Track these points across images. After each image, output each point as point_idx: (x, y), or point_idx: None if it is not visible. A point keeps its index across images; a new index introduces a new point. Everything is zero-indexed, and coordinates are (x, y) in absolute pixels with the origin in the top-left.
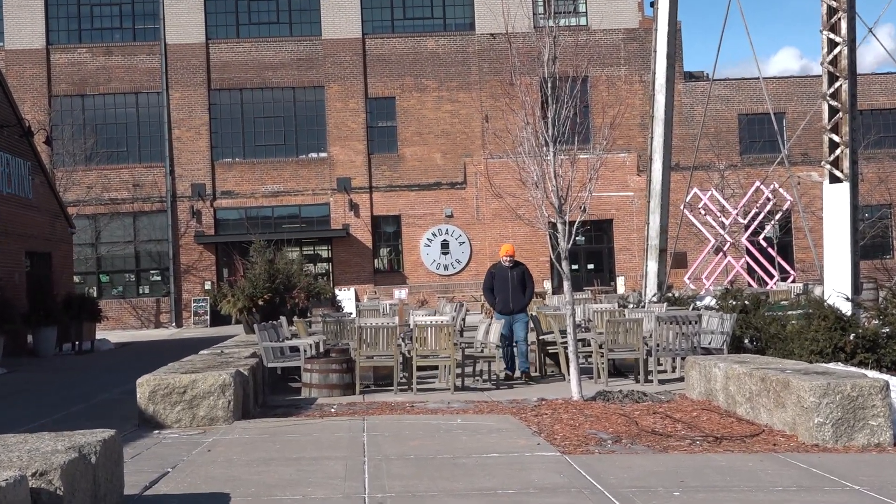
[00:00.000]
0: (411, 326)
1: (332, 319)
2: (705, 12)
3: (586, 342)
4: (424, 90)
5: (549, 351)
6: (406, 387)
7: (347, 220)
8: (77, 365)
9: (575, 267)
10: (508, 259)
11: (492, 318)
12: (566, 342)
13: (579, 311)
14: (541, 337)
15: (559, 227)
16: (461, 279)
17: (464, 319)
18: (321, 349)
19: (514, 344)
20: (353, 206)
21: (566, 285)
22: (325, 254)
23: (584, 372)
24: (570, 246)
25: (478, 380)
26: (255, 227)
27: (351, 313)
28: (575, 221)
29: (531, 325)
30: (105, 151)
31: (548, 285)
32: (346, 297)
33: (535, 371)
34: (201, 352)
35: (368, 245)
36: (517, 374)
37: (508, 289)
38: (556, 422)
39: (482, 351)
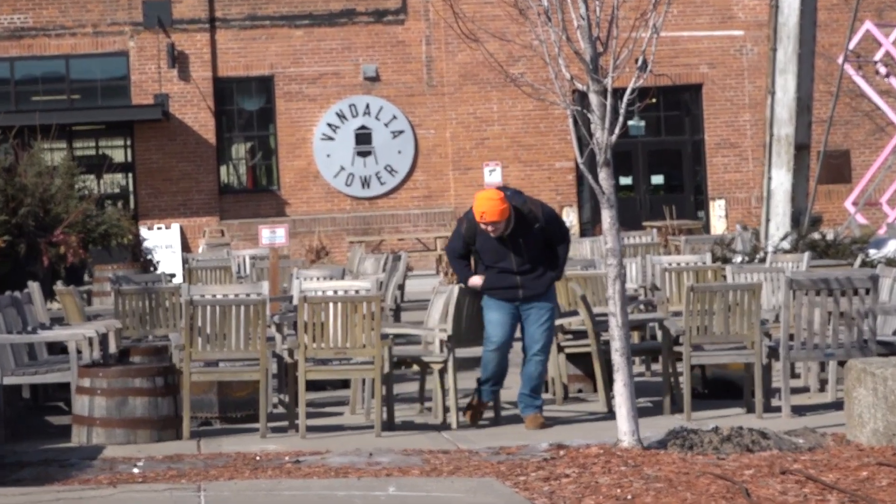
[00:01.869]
0: (294, 302)
1: (136, 288)
2: None
3: (647, 332)
4: None
5: (573, 350)
6: (286, 422)
7: (166, 86)
8: None
9: (626, 181)
10: (495, 229)
11: (456, 283)
12: (605, 333)
13: (634, 269)
14: (557, 322)
15: (593, 100)
16: (396, 205)
17: (401, 287)
18: (112, 348)
19: (526, 359)
20: (178, 60)
21: (607, 218)
22: (120, 155)
23: (644, 390)
24: (615, 139)
25: (427, 409)
26: None
27: (174, 276)
28: (626, 89)
29: (555, 318)
30: None
31: (571, 218)
32: (162, 242)
33: (547, 391)
34: None
35: (209, 138)
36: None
37: (510, 257)
38: (589, 494)
39: (441, 351)
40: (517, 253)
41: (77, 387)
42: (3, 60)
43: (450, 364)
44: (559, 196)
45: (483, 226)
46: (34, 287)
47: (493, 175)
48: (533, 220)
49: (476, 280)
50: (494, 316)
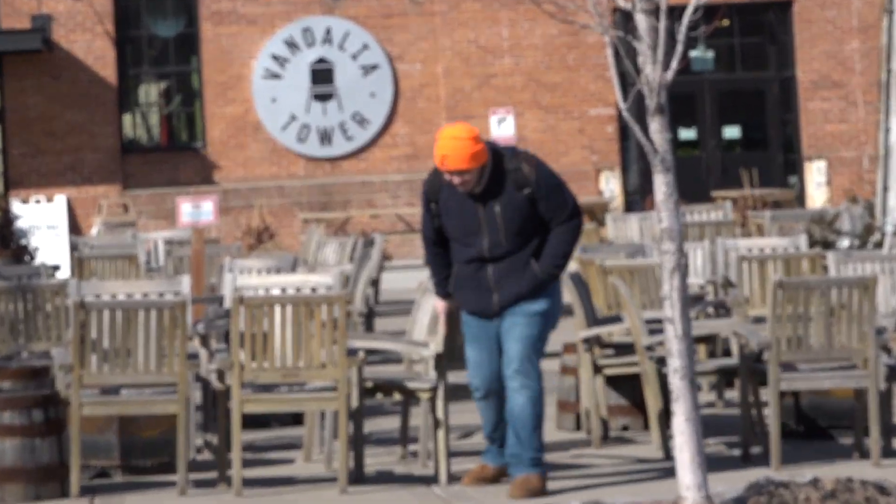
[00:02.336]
0: (227, 305)
1: (4, 286)
2: None
3: (718, 345)
4: None
5: (615, 372)
6: (214, 472)
7: (47, 4)
8: None
9: (689, 135)
10: (461, 181)
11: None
12: (659, 347)
13: (699, 257)
14: (585, 336)
15: (641, 23)
16: (369, 169)
17: (375, 284)
18: None
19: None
20: None
21: (662, 186)
22: None
23: (715, 427)
24: (672, 76)
25: (411, 453)
26: None
27: (57, 268)
28: (687, 7)
29: (547, 328)
30: None
31: (612, 186)
32: (42, 220)
33: (576, 426)
34: None
35: (107, 76)
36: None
37: (482, 234)
38: None
39: (431, 373)
40: (491, 228)
41: None
42: None
43: (441, 391)
44: (595, 156)
45: (447, 176)
46: None
47: (502, 126)
48: (520, 181)
49: (440, 307)
50: (471, 352)
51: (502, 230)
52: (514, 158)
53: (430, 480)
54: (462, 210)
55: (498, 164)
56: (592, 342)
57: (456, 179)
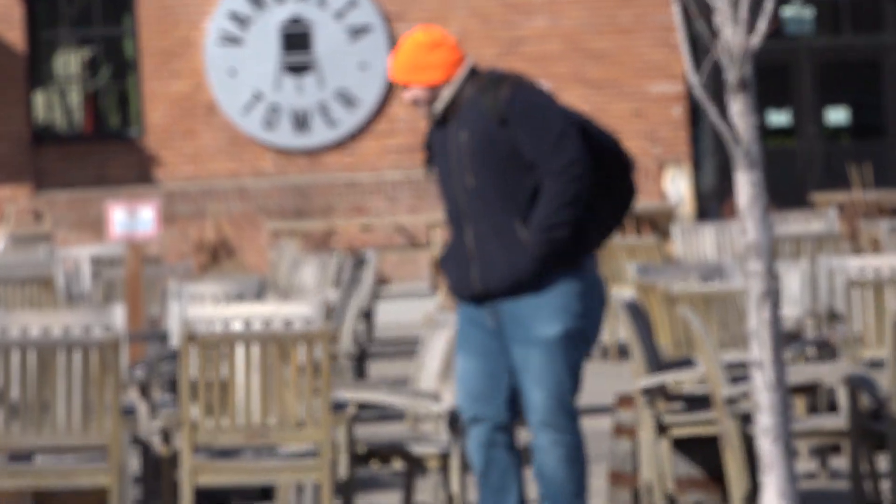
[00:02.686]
0: (174, 344)
1: None
2: None
3: (820, 398)
4: None
5: (685, 432)
6: None
7: None
8: None
9: (781, 120)
10: (410, 98)
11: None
12: (743, 400)
13: (795, 281)
14: (645, 386)
15: None
16: (358, 164)
17: (367, 316)
18: None
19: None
20: None
21: (746, 187)
22: None
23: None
24: (760, 41)
25: None
26: None
27: None
28: None
29: (578, 353)
30: None
31: (678, 186)
32: None
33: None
34: None
35: (14, 40)
36: None
37: (452, 181)
38: None
39: (443, 434)
40: (459, 164)
41: None
42: None
43: (456, 458)
44: (657, 147)
45: (405, 98)
46: None
47: None
48: (491, 105)
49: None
50: (459, 359)
51: (468, 166)
52: (493, 79)
53: None
54: (439, 146)
55: (470, 82)
56: (655, 393)
57: (405, 97)
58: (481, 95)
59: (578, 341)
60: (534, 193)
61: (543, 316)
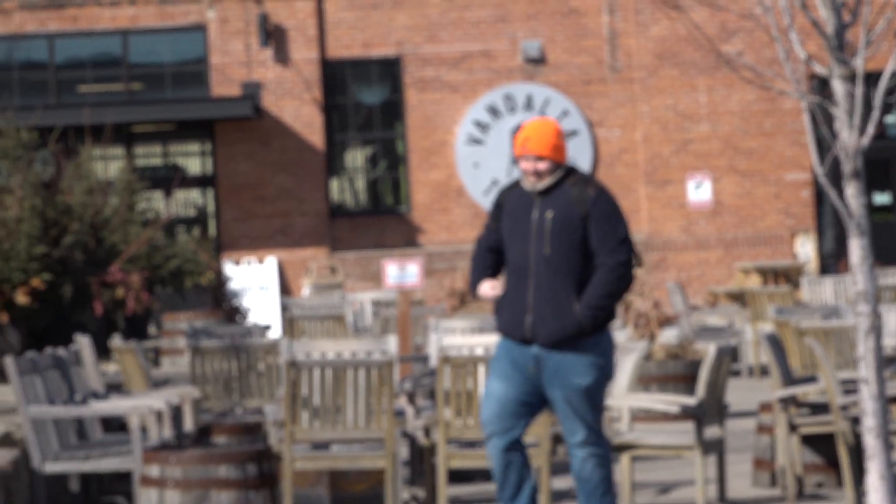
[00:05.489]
0: (432, 364)
1: (218, 345)
2: None
3: None
4: None
5: (811, 430)
6: None
7: (257, 72)
8: None
9: (884, 199)
10: (534, 167)
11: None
12: (854, 407)
13: (892, 318)
14: (781, 396)
15: (837, 88)
16: None
17: None
18: (188, 425)
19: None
20: (273, 36)
21: (857, 249)
22: (196, 165)
23: None
24: (868, 141)
25: None
26: (5, 92)
27: (269, 328)
28: (884, 73)
29: (602, 393)
30: None
31: (806, 248)
32: (253, 281)
33: (772, 483)
34: None
35: (315, 141)
36: None
37: (530, 245)
38: None
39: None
40: (539, 233)
41: (141, 477)
42: (40, 37)
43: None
44: (790, 219)
45: (521, 162)
46: (83, 343)
47: (700, 190)
48: (580, 198)
49: (486, 289)
50: (492, 383)
51: (548, 240)
52: (583, 179)
53: None
54: (520, 211)
55: (568, 176)
56: (788, 402)
57: (532, 166)
58: (572, 187)
59: (603, 383)
60: (588, 276)
61: (581, 369)
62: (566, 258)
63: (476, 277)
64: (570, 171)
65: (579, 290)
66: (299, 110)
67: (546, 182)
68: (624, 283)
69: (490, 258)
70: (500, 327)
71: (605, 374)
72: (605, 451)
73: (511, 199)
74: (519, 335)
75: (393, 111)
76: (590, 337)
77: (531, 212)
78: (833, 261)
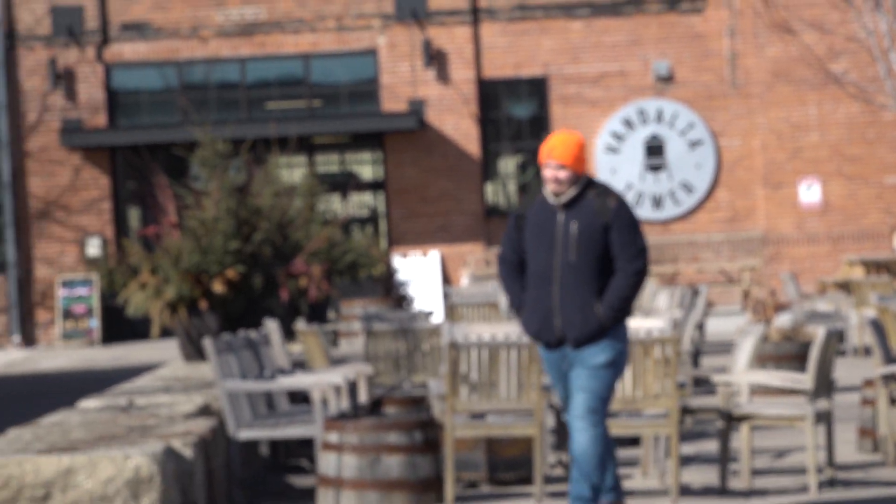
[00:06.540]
0: None
1: (389, 328)
2: None
3: None
4: None
5: None
6: (565, 485)
7: (421, 89)
8: None
9: None
10: (555, 175)
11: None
12: None
13: None
14: (882, 373)
15: None
16: (694, 229)
17: (700, 327)
18: (363, 398)
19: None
20: (435, 58)
21: None
22: (368, 171)
23: None
24: None
25: (731, 472)
26: (203, 108)
27: (431, 313)
28: None
29: (613, 378)
30: None
31: None
32: (419, 273)
33: (874, 449)
34: (84, 402)
35: (472, 150)
36: None
37: (554, 251)
38: None
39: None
40: (564, 242)
41: (323, 443)
42: (233, 61)
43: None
44: (890, 218)
45: (544, 170)
46: (272, 326)
47: (810, 192)
48: (602, 208)
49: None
50: (556, 386)
51: (573, 248)
52: (604, 190)
53: (749, 494)
54: (544, 221)
55: (589, 188)
56: (889, 378)
57: (553, 174)
58: (594, 198)
59: (615, 372)
60: (606, 278)
61: (598, 351)
62: (590, 264)
63: (515, 299)
64: (591, 183)
65: (599, 292)
66: (458, 123)
67: (568, 194)
68: (639, 287)
69: (519, 274)
70: (530, 332)
71: (619, 355)
72: (601, 432)
73: (533, 213)
74: (550, 338)
75: (540, 124)
76: (608, 331)
77: (555, 222)
78: None
